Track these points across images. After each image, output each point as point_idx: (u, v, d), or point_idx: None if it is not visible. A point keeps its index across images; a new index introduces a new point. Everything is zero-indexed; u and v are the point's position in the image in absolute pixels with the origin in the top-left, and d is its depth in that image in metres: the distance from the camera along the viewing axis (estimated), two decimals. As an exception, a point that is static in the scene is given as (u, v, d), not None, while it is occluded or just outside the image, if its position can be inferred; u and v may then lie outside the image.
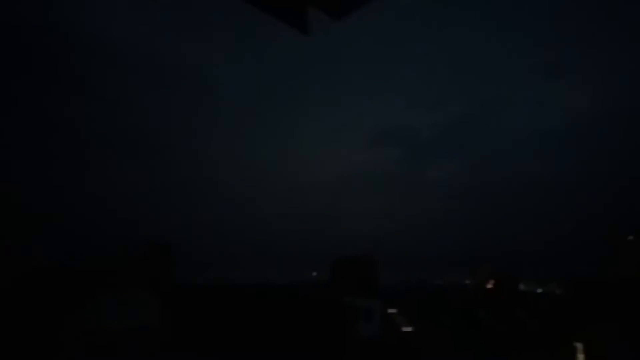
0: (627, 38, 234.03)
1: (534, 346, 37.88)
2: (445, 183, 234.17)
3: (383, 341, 38.00)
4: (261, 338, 33.57)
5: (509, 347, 38.00)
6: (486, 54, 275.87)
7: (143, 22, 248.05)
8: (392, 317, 42.82)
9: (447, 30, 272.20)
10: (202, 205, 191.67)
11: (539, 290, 65.23)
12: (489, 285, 61.44)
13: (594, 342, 34.65)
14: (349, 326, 36.96)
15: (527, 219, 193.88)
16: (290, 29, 2.84)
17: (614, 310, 37.55)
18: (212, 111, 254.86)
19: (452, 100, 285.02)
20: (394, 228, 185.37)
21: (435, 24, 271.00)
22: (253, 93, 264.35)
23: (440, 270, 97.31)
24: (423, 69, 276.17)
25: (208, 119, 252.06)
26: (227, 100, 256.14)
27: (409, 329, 41.82)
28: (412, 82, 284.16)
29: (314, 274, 72.48)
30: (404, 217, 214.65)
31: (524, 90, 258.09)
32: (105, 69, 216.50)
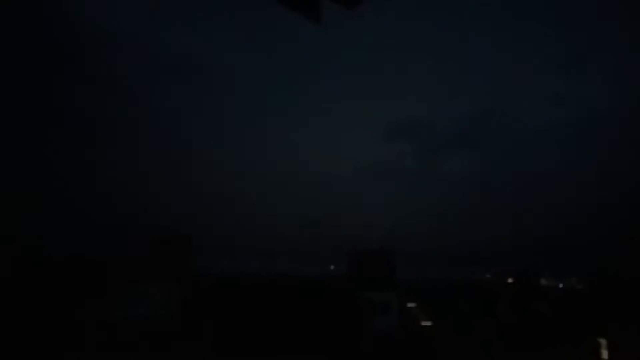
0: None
1: (556, 341, 37.39)
2: (462, 177, 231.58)
3: (399, 334, 37.95)
4: (279, 329, 33.82)
5: (529, 342, 37.58)
6: (501, 47, 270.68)
7: (148, 15, 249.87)
8: (410, 311, 42.73)
9: (462, 22, 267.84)
10: (220, 199, 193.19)
11: (560, 286, 64.25)
12: (510, 280, 60.78)
13: (619, 338, 34.01)
14: (365, 319, 36.99)
15: (546, 214, 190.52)
16: (303, 19, 2.82)
17: (637, 307, 36.77)
18: (225, 105, 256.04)
19: (466, 94, 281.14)
20: (411, 222, 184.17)
21: (450, 17, 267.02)
22: (265, 86, 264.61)
23: (460, 265, 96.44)
24: (438, 62, 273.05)
25: (222, 112, 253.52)
26: (240, 93, 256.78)
27: (428, 323, 41.66)
28: (427, 75, 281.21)
29: (332, 267, 72.62)
30: (420, 211, 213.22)
31: (539, 84, 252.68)
32: (111, 62, 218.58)
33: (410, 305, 43.43)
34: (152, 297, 30.51)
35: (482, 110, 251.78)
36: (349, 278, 47.97)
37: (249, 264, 74.00)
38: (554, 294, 51.19)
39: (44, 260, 30.51)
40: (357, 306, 37.57)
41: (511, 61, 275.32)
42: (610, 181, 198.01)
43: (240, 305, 35.05)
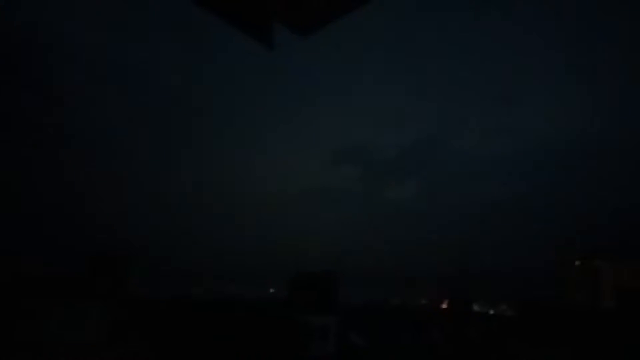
0: (584, 65, 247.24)
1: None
2: (403, 203, 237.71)
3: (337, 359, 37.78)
4: (214, 354, 32.71)
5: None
6: (449, 77, 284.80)
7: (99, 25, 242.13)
8: (348, 335, 42.73)
9: (409, 51, 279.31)
10: (158, 217, 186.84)
11: (491, 312, 66.88)
12: (444, 305, 62.50)
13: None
14: (302, 344, 36.57)
15: (481, 240, 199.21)
16: (255, 43, 2.78)
17: (565, 335, 38.82)
18: (172, 121, 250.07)
19: (412, 121, 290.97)
20: (355, 246, 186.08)
21: (397, 46, 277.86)
22: (212, 104, 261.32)
23: (398, 288, 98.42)
24: (385, 89, 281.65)
25: (168, 128, 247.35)
26: (190, 111, 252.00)
27: (365, 347, 41.79)
28: (374, 101, 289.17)
29: (272, 290, 71.68)
30: (363, 235, 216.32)
31: (482, 114, 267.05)
32: (63, 70, 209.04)
33: (348, 329, 43.44)
34: (85, 317, 28.63)
35: (427, 138, 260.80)
36: (289, 301, 47.45)
37: (186, 287, 71.62)
38: (487, 320, 53.10)
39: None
40: (296, 330, 37.11)
41: (457, 91, 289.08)
42: (544, 209, 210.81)
43: (176, 329, 33.65)
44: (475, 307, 62.54)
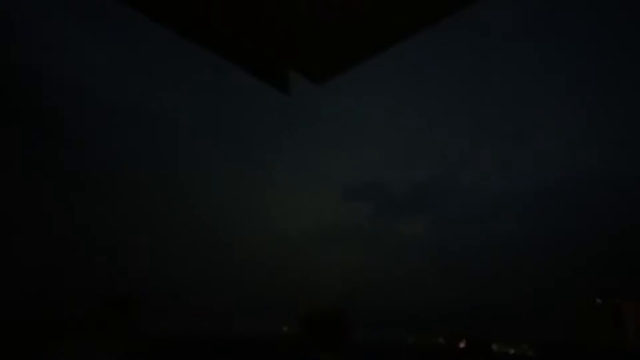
0: (596, 103, 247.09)
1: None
2: (418, 240, 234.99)
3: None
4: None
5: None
6: (460, 114, 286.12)
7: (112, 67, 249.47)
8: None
9: (420, 88, 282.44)
10: (169, 254, 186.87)
11: (512, 352, 64.57)
12: (462, 345, 60.65)
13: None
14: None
15: (499, 279, 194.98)
16: (271, 88, 2.86)
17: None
18: (182, 160, 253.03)
19: (424, 158, 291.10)
20: (365, 283, 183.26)
21: (407, 83, 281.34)
22: (218, 144, 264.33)
23: (413, 327, 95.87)
24: (396, 125, 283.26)
25: (172, 166, 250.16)
26: (192, 150, 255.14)
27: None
28: (385, 138, 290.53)
29: (285, 328, 70.51)
30: (375, 272, 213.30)
31: (493, 152, 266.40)
32: (67, 108, 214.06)
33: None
34: (98, 357, 28.41)
35: (439, 174, 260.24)
36: (302, 339, 46.61)
37: (198, 325, 70.84)
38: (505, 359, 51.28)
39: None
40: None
41: (469, 128, 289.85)
42: (561, 248, 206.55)
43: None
44: (494, 347, 60.49)
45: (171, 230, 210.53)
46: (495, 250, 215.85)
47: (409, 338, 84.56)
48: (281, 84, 2.83)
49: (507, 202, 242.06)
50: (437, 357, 49.88)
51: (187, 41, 2.51)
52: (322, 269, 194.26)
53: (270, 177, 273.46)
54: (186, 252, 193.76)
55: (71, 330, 29.80)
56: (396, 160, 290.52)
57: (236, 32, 2.57)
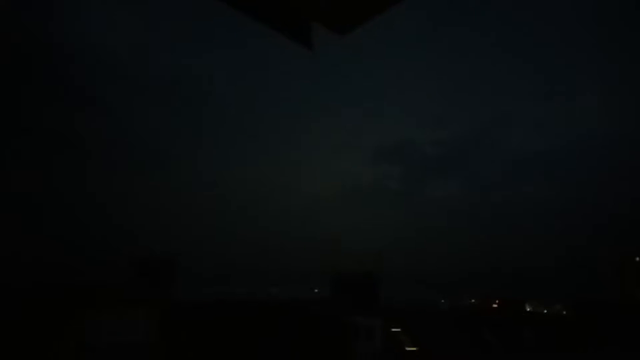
0: (629, 60, 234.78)
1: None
2: (446, 201, 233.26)
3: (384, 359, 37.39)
4: (260, 355, 33.10)
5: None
6: (488, 74, 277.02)
7: (142, 34, 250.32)
8: (395, 335, 42.23)
9: (448, 50, 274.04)
10: (202, 220, 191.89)
11: (545, 311, 64.38)
12: (494, 305, 60.74)
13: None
14: (349, 345, 36.43)
15: (529, 238, 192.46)
16: (294, 44, 2.75)
17: (622, 333, 36.89)
18: (213, 125, 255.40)
19: (453, 119, 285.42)
20: (398, 245, 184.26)
21: (436, 44, 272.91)
22: (253, 108, 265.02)
23: (444, 289, 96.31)
24: (425, 87, 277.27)
25: (209, 132, 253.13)
26: (229, 115, 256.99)
27: (413, 348, 41.17)
28: (413, 100, 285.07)
29: (316, 290, 71.92)
30: (407, 234, 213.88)
31: (526, 110, 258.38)
32: (108, 83, 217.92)
33: (395, 329, 42.92)
34: (132, 322, 29.66)
35: (468, 135, 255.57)
36: (333, 302, 47.48)
37: (231, 288, 72.91)
38: (540, 319, 51.16)
39: (21, 289, 29.79)
40: (342, 331, 37.02)
41: (496, 89, 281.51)
42: (595, 206, 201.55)
43: (222, 330, 34.31)
44: (528, 307, 60.40)
45: (204, 197, 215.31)
46: (527, 210, 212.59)
47: (440, 300, 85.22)
48: (304, 39, 2.71)
49: (540, 162, 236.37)
50: (470, 318, 50.10)
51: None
52: (351, 231, 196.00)
53: (299, 141, 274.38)
54: (218, 219, 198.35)
55: (108, 297, 31.01)
56: (426, 122, 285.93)
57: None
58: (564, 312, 57.36)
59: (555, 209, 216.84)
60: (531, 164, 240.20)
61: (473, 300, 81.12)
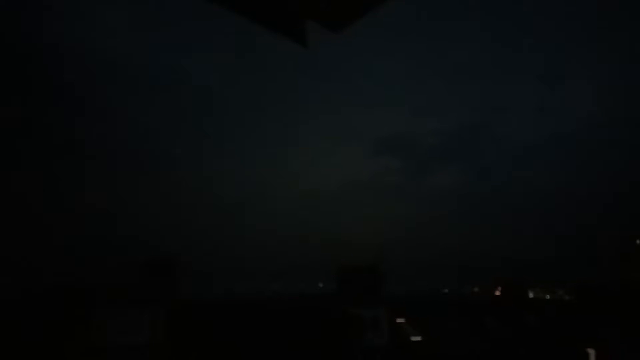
0: (628, 45, 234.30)
1: (545, 353, 37.42)
2: (447, 191, 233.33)
3: (390, 351, 37.61)
4: (267, 350, 33.29)
5: (520, 356, 37.55)
6: (486, 63, 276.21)
7: (140, 37, 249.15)
8: (400, 326, 42.45)
9: (446, 40, 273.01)
10: (204, 219, 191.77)
11: (547, 297, 64.71)
12: (497, 293, 60.97)
13: (606, 348, 34.22)
14: (356, 337, 36.63)
15: (531, 226, 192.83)
16: (289, 42, 2.79)
17: (624, 315, 37.09)
18: (206, 123, 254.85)
19: (452, 108, 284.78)
20: (398, 237, 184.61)
21: (434, 34, 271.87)
22: (251, 104, 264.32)
23: (447, 278, 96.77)
24: (423, 77, 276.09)
25: (208, 129, 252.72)
26: (225, 111, 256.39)
27: (417, 338, 41.42)
28: (412, 90, 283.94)
29: (320, 284, 72.18)
30: (407, 225, 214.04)
31: (525, 97, 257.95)
32: (106, 87, 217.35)
33: (399, 320, 43.12)
34: (135, 323, 29.78)
35: (468, 124, 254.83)
36: (338, 295, 47.64)
37: (235, 284, 73.18)
38: (543, 305, 51.46)
39: (26, 289, 29.83)
40: (348, 323, 37.21)
41: (495, 78, 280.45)
42: (596, 190, 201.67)
43: (228, 328, 34.47)
44: (530, 294, 60.64)
45: (202, 195, 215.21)
46: (527, 197, 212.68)
47: (443, 289, 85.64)
48: (298, 36, 2.75)
49: (543, 149, 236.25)
50: (473, 306, 50.38)
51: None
52: (352, 224, 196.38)
53: (297, 135, 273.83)
54: (219, 217, 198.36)
55: (112, 297, 31.08)
56: (426, 112, 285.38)
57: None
58: (567, 298, 57.70)
59: (556, 195, 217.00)
60: (531, 151, 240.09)
61: (476, 289, 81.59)
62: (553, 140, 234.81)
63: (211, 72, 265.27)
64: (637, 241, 59.04)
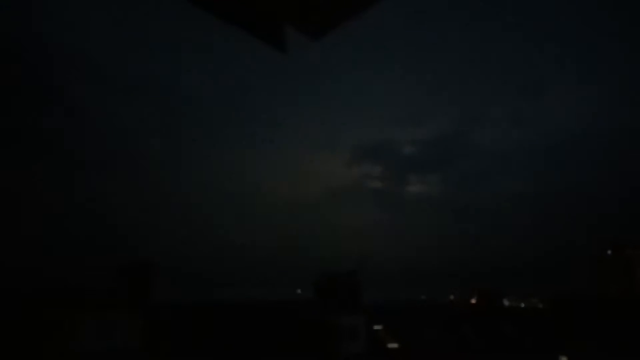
0: (606, 56, 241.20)
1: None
2: (426, 200, 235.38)
3: (367, 358, 37.62)
4: (245, 355, 32.97)
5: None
6: (466, 72, 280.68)
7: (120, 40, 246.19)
8: (377, 334, 42.52)
9: (426, 48, 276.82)
10: (183, 223, 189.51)
11: (522, 305, 65.67)
12: (473, 301, 61.68)
13: (579, 355, 34.90)
14: (334, 344, 36.55)
15: (507, 235, 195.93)
16: (267, 47, 2.81)
17: (597, 326, 37.92)
18: (185, 128, 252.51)
19: (432, 117, 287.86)
20: (377, 245, 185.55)
21: (414, 43, 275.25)
22: (230, 111, 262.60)
23: (424, 286, 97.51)
24: (403, 86, 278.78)
25: (182, 135, 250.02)
26: (207, 117, 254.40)
27: (394, 345, 41.53)
28: (391, 98, 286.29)
29: (299, 291, 71.87)
30: (385, 234, 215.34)
31: (503, 107, 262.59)
32: (83, 85, 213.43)
33: (376, 327, 43.22)
34: (111, 327, 29.24)
35: (447, 133, 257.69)
36: (317, 302, 47.56)
37: (213, 290, 72.26)
38: (518, 313, 52.18)
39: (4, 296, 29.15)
40: (326, 331, 37.12)
41: (474, 87, 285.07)
42: (568, 204, 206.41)
43: (205, 333, 34.06)
44: (505, 302, 61.48)
45: (181, 200, 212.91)
46: (506, 207, 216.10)
47: (420, 296, 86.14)
48: (278, 41, 2.77)
49: (519, 159, 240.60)
50: (449, 314, 50.81)
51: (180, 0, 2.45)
52: (332, 232, 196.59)
53: (278, 142, 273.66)
54: (197, 222, 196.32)
55: (91, 302, 30.58)
56: (405, 121, 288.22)
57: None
58: (540, 306, 58.67)
59: (533, 205, 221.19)
60: (509, 160, 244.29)
61: (452, 297, 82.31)
62: (530, 150, 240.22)
63: (196, 76, 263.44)
64: (609, 251, 60.58)
